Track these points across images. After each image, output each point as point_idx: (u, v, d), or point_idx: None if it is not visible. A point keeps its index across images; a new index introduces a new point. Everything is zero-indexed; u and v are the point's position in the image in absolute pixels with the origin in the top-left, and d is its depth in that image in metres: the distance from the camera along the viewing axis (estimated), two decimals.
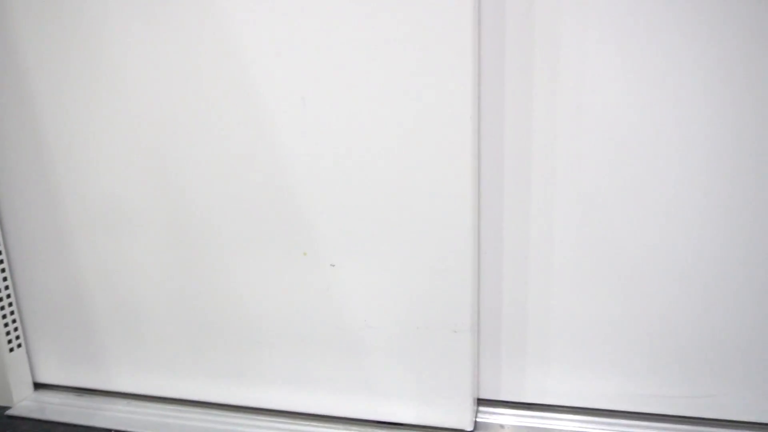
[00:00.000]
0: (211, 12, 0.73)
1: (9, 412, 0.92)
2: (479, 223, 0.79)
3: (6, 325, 0.92)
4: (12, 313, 0.93)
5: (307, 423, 0.84)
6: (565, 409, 0.84)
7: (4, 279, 0.91)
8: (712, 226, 0.73)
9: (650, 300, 0.77)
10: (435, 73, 0.68)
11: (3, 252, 0.91)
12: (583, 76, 0.71)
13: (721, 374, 0.78)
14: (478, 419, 0.83)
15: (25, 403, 0.94)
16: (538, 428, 0.81)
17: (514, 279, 0.80)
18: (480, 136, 0.76)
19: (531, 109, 0.74)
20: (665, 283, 0.76)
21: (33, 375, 0.97)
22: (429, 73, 0.68)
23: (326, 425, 0.83)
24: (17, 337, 0.94)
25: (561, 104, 0.73)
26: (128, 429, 0.86)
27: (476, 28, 0.69)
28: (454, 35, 0.66)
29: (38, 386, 0.98)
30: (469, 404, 0.79)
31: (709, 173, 0.72)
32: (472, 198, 0.71)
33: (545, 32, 0.71)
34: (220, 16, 0.73)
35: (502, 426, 0.82)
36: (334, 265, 0.77)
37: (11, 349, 0.93)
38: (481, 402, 0.86)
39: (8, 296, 0.92)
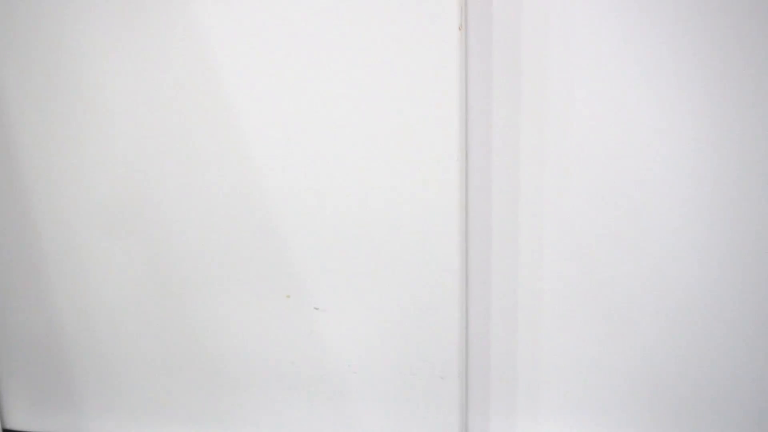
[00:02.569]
0: (191, 44, 0.72)
1: None
2: (467, 267, 0.77)
3: None
4: None
5: None
6: None
7: None
8: (709, 269, 0.72)
9: (646, 347, 0.76)
10: (421, 115, 0.68)
11: None
12: (570, 120, 0.72)
13: (724, 425, 0.76)
14: None
15: None
16: None
17: (503, 325, 0.78)
18: (467, 178, 0.75)
19: (518, 151, 0.74)
20: (661, 328, 0.75)
21: (2, 421, 0.93)
22: (415, 115, 0.68)
23: None
24: None
25: (549, 148, 0.73)
26: None
27: (463, 73, 0.69)
28: (440, 77, 0.67)
29: None
30: None
31: (709, 213, 0.71)
32: (459, 241, 0.71)
33: (532, 76, 0.72)
34: (203, 42, 0.72)
35: None
36: (317, 309, 0.76)
37: None
38: None
39: None
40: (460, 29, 0.67)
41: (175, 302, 0.81)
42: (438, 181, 0.69)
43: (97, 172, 0.79)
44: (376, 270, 0.73)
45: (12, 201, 0.83)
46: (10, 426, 0.93)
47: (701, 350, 0.74)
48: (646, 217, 0.73)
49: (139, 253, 0.80)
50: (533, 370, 0.79)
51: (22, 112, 0.80)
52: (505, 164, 0.74)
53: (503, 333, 0.79)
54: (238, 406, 0.82)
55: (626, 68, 0.69)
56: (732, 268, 0.72)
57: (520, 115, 0.72)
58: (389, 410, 0.77)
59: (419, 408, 0.76)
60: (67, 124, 0.78)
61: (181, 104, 0.74)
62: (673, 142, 0.70)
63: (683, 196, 0.71)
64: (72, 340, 0.87)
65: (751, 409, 0.75)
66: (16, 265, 0.86)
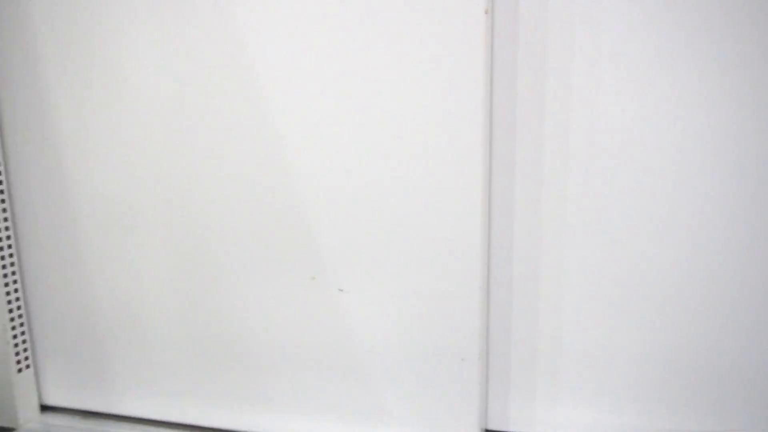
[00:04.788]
0: (223, 26, 0.74)
1: None
2: (489, 251, 0.78)
3: (16, 345, 0.92)
4: (23, 333, 0.93)
5: None
6: None
7: (17, 299, 0.92)
8: (734, 255, 0.72)
9: (667, 331, 0.76)
10: (447, 100, 0.69)
11: (17, 273, 0.91)
12: (595, 109, 0.72)
13: (744, 408, 0.76)
14: None
15: (32, 425, 0.94)
16: None
17: (525, 308, 0.79)
18: (491, 161, 0.76)
19: (543, 140, 0.74)
20: (683, 313, 0.75)
21: (40, 397, 0.97)
22: (441, 100, 0.69)
23: None
24: (26, 358, 0.94)
25: (573, 133, 0.73)
26: None
27: (488, 72, 0.69)
28: (467, 68, 0.67)
29: (45, 408, 0.98)
30: None
31: (729, 207, 0.71)
32: (482, 224, 0.71)
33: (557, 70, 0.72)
34: (233, 32, 0.74)
35: None
36: (342, 290, 0.77)
37: (19, 370, 0.93)
38: None
39: (20, 316, 0.93)
40: (486, 13, 0.67)
41: (206, 285, 0.83)
42: (462, 170, 0.70)
43: (133, 158, 0.81)
44: (400, 253, 0.74)
45: (52, 187, 0.86)
46: (47, 402, 0.97)
47: (719, 339, 0.74)
48: (668, 208, 0.72)
49: (172, 237, 0.83)
50: (553, 354, 0.79)
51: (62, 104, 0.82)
52: (529, 153, 0.74)
53: (524, 317, 0.79)
54: (264, 386, 0.84)
55: (653, 58, 0.69)
56: (749, 262, 0.71)
57: (544, 104, 0.73)
58: (411, 391, 0.78)
59: (440, 388, 0.76)
60: (103, 114, 0.81)
61: (214, 92, 0.76)
62: (698, 135, 0.69)
63: (703, 189, 0.70)
64: (107, 322, 0.90)
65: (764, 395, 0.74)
66: (56, 249, 0.89)
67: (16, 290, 0.92)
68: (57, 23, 0.80)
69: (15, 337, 0.92)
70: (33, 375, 0.96)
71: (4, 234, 0.89)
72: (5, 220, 0.89)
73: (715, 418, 0.76)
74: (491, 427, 0.84)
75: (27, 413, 0.95)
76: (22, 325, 0.93)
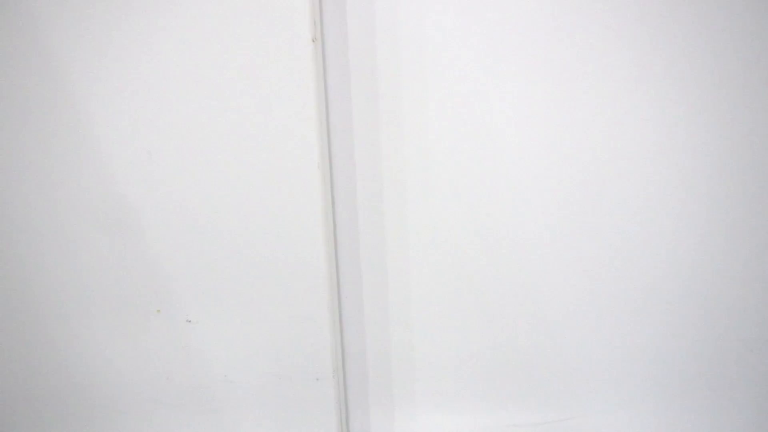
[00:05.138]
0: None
1: None
2: (338, 270, 0.80)
3: None
4: None
5: None
6: None
7: None
8: (565, 250, 0.79)
9: (509, 331, 0.81)
10: (284, 126, 0.70)
11: None
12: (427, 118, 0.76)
13: (579, 397, 0.82)
14: None
15: None
16: None
17: (376, 322, 0.81)
18: (332, 184, 0.77)
19: (380, 156, 0.77)
20: (526, 318, 0.80)
21: None
22: (277, 126, 0.70)
23: None
24: None
25: (410, 150, 0.76)
26: None
27: (321, 83, 0.71)
28: (299, 97, 0.69)
29: None
30: None
31: (565, 204, 0.77)
32: (325, 246, 0.73)
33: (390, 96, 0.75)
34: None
35: None
36: (190, 321, 0.75)
37: None
38: None
39: None
40: (314, 41, 0.69)
41: (39, 331, 0.77)
42: (301, 192, 0.71)
43: None
44: (247, 280, 0.74)
45: None
46: None
47: (563, 329, 0.80)
48: (504, 212, 0.78)
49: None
50: (408, 365, 0.82)
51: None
52: (369, 170, 0.77)
53: (377, 332, 0.81)
54: (111, 428, 0.80)
55: (477, 71, 0.74)
56: (581, 260, 0.78)
57: (379, 121, 0.76)
58: (268, 416, 0.77)
59: (298, 410, 0.77)
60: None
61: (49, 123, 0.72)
62: (529, 138, 0.76)
63: (538, 189, 0.77)
64: None
65: (614, 382, 0.82)
66: None
67: None
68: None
69: None
70: None
71: None
72: None
73: (557, 408, 0.83)
74: None
75: None
76: None
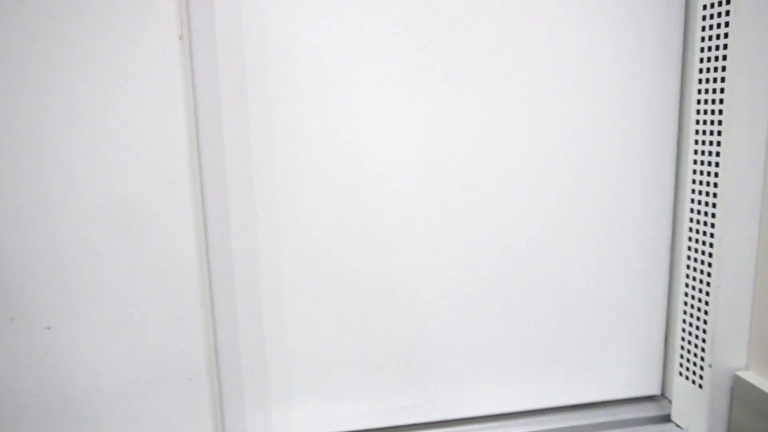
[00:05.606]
0: None
1: None
2: (209, 268, 0.79)
3: None
4: None
5: None
6: None
7: None
8: (432, 243, 0.84)
9: (380, 321, 0.85)
10: (151, 126, 0.68)
11: None
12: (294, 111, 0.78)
13: (438, 380, 0.89)
14: None
15: None
16: None
17: (250, 318, 0.82)
18: (203, 184, 0.77)
19: (250, 146, 0.78)
20: (391, 304, 0.85)
21: None
22: (145, 125, 0.68)
23: None
24: None
25: (280, 148, 0.78)
26: None
27: (189, 80, 0.71)
28: (164, 86, 0.68)
29: None
30: None
31: (438, 199, 0.83)
32: (197, 241, 0.72)
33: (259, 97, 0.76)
34: None
35: None
36: (49, 328, 0.71)
37: None
38: None
39: None
40: (180, 39, 0.69)
41: None
42: (170, 189, 0.70)
43: None
44: (115, 280, 0.71)
45: None
46: None
47: (426, 316, 0.86)
48: (375, 209, 0.82)
49: None
50: (283, 360, 0.84)
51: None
52: (239, 167, 0.78)
53: (251, 329, 0.82)
54: None
55: (347, 67, 0.78)
56: (446, 252, 0.85)
57: (249, 118, 0.77)
58: (142, 421, 0.75)
59: (172, 413, 0.75)
60: None
61: None
62: (400, 135, 0.80)
63: (408, 185, 0.82)
64: None
65: (469, 365, 0.89)
66: None
67: None
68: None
69: None
70: None
71: None
72: None
73: (421, 390, 0.88)
74: None
75: None
76: None
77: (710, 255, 0.81)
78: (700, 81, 0.80)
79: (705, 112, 0.80)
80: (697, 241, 0.83)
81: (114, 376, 0.74)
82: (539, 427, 0.89)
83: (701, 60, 0.80)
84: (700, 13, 0.80)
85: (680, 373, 0.89)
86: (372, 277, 0.84)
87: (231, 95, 0.76)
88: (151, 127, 0.69)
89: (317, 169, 0.80)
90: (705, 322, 0.83)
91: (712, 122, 0.79)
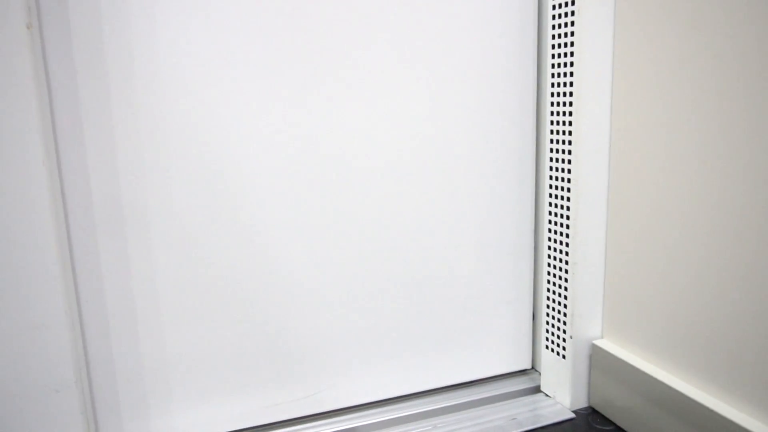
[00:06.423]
0: None
1: None
2: (74, 272, 0.75)
3: None
4: None
5: None
6: None
7: None
8: (302, 241, 0.84)
9: (258, 318, 0.85)
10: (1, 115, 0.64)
11: None
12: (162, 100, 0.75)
13: (319, 372, 0.90)
14: None
15: None
16: None
17: (123, 326, 0.78)
18: (62, 179, 0.73)
19: (114, 142, 0.74)
20: (269, 300, 0.85)
21: None
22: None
23: None
24: None
25: (144, 137, 0.75)
26: None
27: (40, 71, 0.66)
28: (13, 78, 0.63)
29: None
30: None
31: (306, 191, 0.83)
32: (58, 246, 0.68)
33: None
34: None
35: None
36: None
37: None
38: None
39: None
40: (29, 28, 0.64)
41: None
42: (26, 191, 0.65)
43: None
44: None
45: None
46: None
47: (310, 320, 0.87)
48: (248, 205, 0.81)
49: None
50: (159, 362, 0.81)
51: None
52: (103, 165, 0.74)
53: (123, 334, 0.79)
54: None
55: (210, 58, 0.76)
56: (324, 246, 0.86)
57: (110, 108, 0.73)
58: None
59: (39, 427, 0.70)
60: None
61: None
62: (273, 129, 0.80)
63: (281, 182, 0.81)
64: None
65: (350, 355, 0.91)
66: None
67: None
68: None
69: None
70: None
71: None
72: None
73: (306, 384, 0.89)
74: None
75: None
76: None
77: (567, 235, 0.88)
78: (553, 75, 0.88)
79: (558, 113, 0.87)
80: (556, 223, 0.90)
81: None
82: (421, 409, 0.93)
83: (553, 56, 0.87)
84: (551, 12, 0.87)
85: (546, 347, 0.96)
86: (246, 274, 0.83)
87: (90, 86, 0.72)
88: (1, 126, 0.64)
89: (186, 165, 0.78)
90: (565, 297, 0.90)
91: (564, 123, 0.86)
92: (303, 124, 0.82)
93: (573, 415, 0.91)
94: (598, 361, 0.90)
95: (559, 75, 0.86)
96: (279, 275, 0.85)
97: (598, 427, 0.87)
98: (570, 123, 0.85)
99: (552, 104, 0.88)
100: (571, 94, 0.84)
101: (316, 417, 0.91)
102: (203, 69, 0.76)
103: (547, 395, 0.97)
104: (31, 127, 0.65)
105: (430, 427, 0.89)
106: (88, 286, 0.76)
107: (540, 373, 1.00)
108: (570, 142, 0.86)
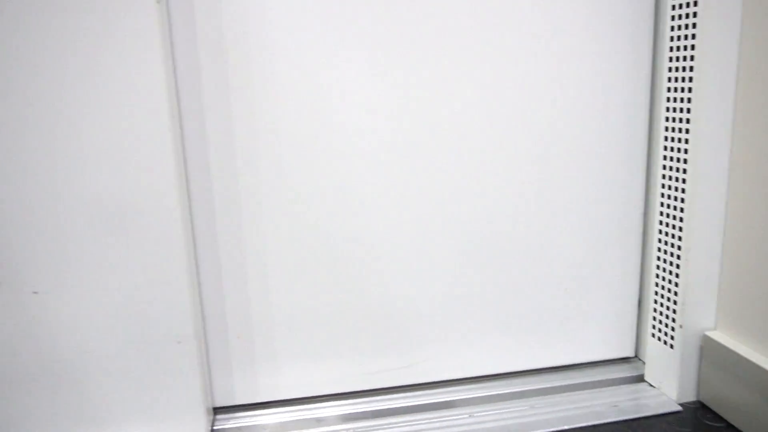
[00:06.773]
0: None
1: None
2: (193, 232, 0.81)
3: None
4: None
5: None
6: (297, 401, 0.90)
7: None
8: (407, 213, 0.86)
9: (356, 286, 0.87)
10: (129, 90, 0.69)
11: None
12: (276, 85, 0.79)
13: (418, 344, 0.91)
14: (215, 427, 0.84)
15: None
16: (274, 424, 0.85)
17: (234, 283, 0.84)
18: (184, 147, 0.78)
19: (231, 118, 0.79)
20: (372, 268, 0.87)
21: None
22: (123, 91, 0.69)
23: None
24: None
25: (259, 111, 0.79)
26: None
27: (167, 45, 0.71)
28: (143, 50, 0.69)
29: None
30: (201, 414, 0.80)
31: (401, 176, 0.84)
32: (181, 207, 0.73)
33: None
34: None
35: (239, 429, 0.84)
36: (37, 292, 0.72)
37: None
38: (218, 410, 0.88)
39: None
40: (158, 2, 0.69)
41: None
42: (152, 154, 0.71)
43: None
44: (101, 245, 0.72)
45: None
46: None
47: (409, 282, 0.88)
48: (352, 178, 0.83)
49: None
50: (268, 321, 0.86)
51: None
52: (221, 129, 0.79)
53: (235, 292, 0.84)
54: None
55: (325, 34, 0.79)
56: (418, 222, 0.86)
57: (229, 85, 0.78)
58: (131, 384, 0.77)
59: (161, 375, 0.77)
60: None
61: None
62: (370, 106, 0.82)
63: (383, 156, 0.83)
64: None
65: (451, 329, 0.92)
66: None
67: None
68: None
69: None
70: None
71: None
72: None
73: (406, 355, 0.91)
74: (219, 404, 0.88)
75: None
76: None
77: (681, 219, 0.84)
78: (669, 69, 0.83)
79: (675, 89, 0.82)
80: (668, 206, 0.86)
81: (102, 340, 0.75)
82: (518, 389, 0.92)
83: (671, 49, 0.82)
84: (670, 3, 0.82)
85: (653, 335, 0.92)
86: (352, 243, 0.86)
87: (210, 56, 0.77)
88: (130, 92, 0.70)
89: (299, 131, 0.81)
90: (676, 284, 0.86)
91: (681, 99, 0.81)
92: (424, 108, 0.83)
93: (680, 408, 0.87)
94: (710, 353, 0.85)
95: (677, 59, 0.81)
96: (385, 246, 0.87)
97: (708, 423, 0.83)
98: (689, 100, 0.80)
99: (669, 80, 0.83)
100: (691, 69, 0.79)
101: (412, 387, 0.93)
102: (319, 48, 0.78)
103: (651, 385, 0.93)
104: (159, 92, 0.70)
105: (527, 407, 0.88)
106: (205, 246, 0.81)
107: (644, 362, 0.96)
108: (688, 120, 0.81)
